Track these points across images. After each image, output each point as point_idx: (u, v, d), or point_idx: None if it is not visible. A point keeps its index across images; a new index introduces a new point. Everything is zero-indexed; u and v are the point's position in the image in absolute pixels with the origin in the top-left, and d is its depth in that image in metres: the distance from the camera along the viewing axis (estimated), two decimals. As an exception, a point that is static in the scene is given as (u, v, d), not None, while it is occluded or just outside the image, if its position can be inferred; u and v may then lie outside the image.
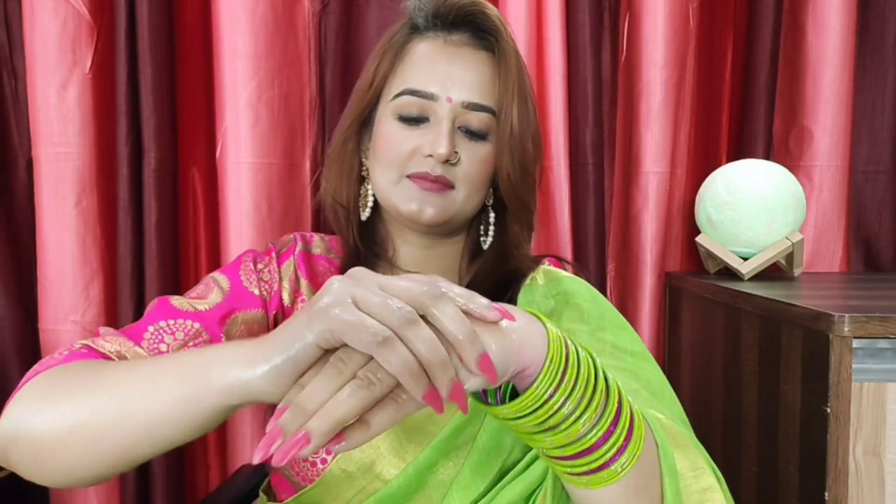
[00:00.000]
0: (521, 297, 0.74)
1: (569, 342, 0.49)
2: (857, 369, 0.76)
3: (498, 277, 0.77)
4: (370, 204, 0.80)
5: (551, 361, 0.46)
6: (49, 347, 1.19)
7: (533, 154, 0.77)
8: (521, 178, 0.75)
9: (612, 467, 0.48)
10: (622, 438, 0.48)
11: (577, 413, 0.46)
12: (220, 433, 1.26)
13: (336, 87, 1.24)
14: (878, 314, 0.76)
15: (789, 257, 1.20)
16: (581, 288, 0.74)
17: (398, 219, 0.78)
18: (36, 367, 0.61)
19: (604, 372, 0.49)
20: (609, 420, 0.48)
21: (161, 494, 1.17)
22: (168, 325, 0.69)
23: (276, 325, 0.76)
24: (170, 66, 1.17)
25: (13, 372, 1.22)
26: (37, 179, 1.17)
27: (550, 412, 0.46)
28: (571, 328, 0.69)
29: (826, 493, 0.76)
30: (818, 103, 1.31)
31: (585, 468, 0.48)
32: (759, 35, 1.28)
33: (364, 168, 0.80)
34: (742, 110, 1.33)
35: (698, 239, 1.23)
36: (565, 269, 0.81)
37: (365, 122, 0.79)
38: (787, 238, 1.17)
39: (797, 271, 1.23)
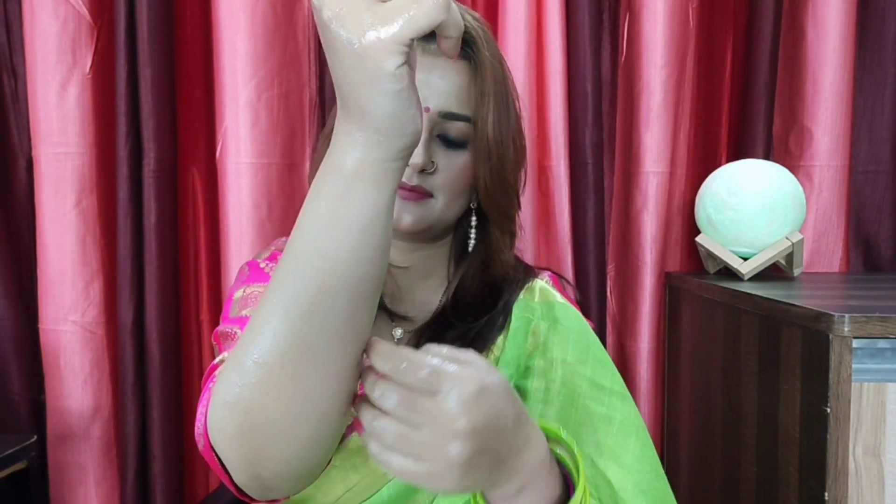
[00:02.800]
0: (516, 310, 0.75)
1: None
2: (856, 369, 0.76)
3: (483, 282, 0.77)
4: None
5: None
6: (49, 347, 1.19)
7: (514, 160, 0.77)
8: (498, 187, 0.75)
9: None
10: None
11: None
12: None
13: (336, 87, 1.24)
14: (877, 314, 0.76)
15: (789, 257, 1.20)
16: (571, 318, 0.74)
17: None
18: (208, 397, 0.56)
19: None
20: None
21: (161, 494, 1.17)
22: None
23: None
24: (169, 66, 1.17)
25: (12, 371, 1.23)
26: (37, 179, 1.18)
27: None
28: (555, 358, 0.71)
29: (826, 494, 0.76)
30: (818, 103, 1.31)
31: None
32: (759, 35, 1.28)
33: None
34: (742, 110, 1.33)
35: (698, 239, 1.23)
36: (564, 288, 0.81)
37: None
38: (787, 238, 1.16)
39: (797, 271, 1.23)
